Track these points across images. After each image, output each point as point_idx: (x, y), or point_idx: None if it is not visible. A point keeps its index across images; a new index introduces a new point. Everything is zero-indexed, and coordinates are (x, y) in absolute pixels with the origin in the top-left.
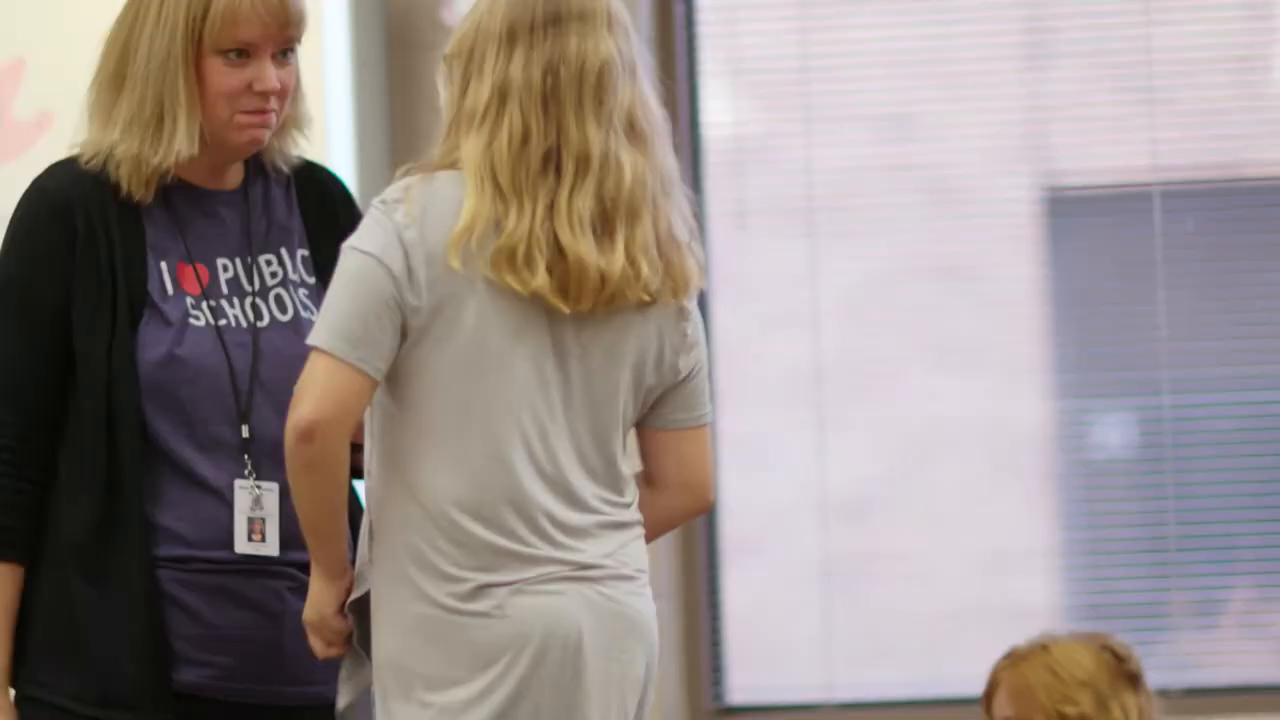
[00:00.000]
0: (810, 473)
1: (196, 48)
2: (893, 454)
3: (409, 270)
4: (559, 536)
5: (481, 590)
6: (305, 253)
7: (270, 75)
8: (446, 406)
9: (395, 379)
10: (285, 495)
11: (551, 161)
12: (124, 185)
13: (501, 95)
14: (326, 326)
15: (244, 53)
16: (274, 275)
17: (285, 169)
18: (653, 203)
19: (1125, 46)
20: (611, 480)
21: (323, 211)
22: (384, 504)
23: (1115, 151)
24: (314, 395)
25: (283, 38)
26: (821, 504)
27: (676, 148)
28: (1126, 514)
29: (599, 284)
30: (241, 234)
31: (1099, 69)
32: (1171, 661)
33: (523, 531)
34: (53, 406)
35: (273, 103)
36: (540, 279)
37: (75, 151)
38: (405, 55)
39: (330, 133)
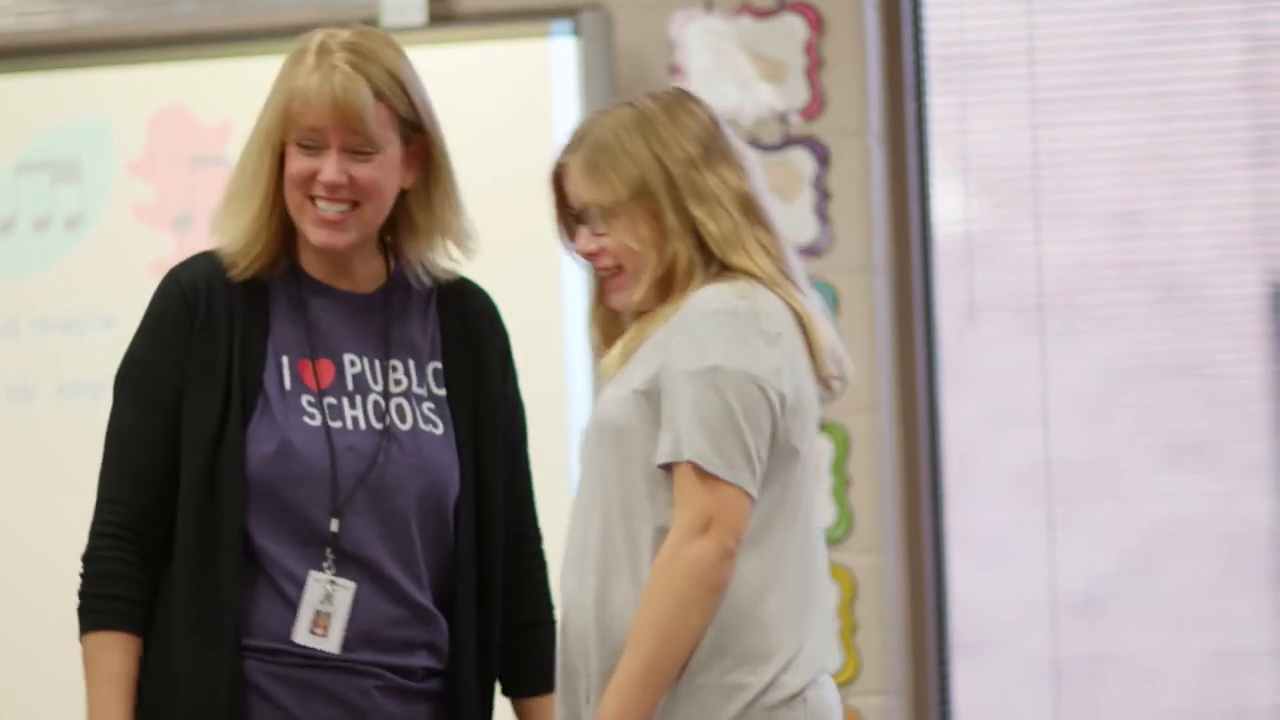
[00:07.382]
0: (1040, 570)
1: (282, 136)
2: (1123, 552)
3: (791, 378)
4: None
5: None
6: (438, 365)
7: (330, 167)
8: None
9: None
10: (365, 596)
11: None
12: (238, 273)
13: (744, 207)
14: (727, 457)
15: (315, 145)
16: (398, 383)
17: (427, 280)
18: None
19: None
20: None
21: (463, 329)
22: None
23: None
24: (730, 521)
25: (350, 136)
26: (1051, 602)
27: (909, 244)
28: None
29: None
30: (377, 336)
31: None
32: None
33: None
34: (168, 491)
35: (343, 197)
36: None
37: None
38: None
39: None
